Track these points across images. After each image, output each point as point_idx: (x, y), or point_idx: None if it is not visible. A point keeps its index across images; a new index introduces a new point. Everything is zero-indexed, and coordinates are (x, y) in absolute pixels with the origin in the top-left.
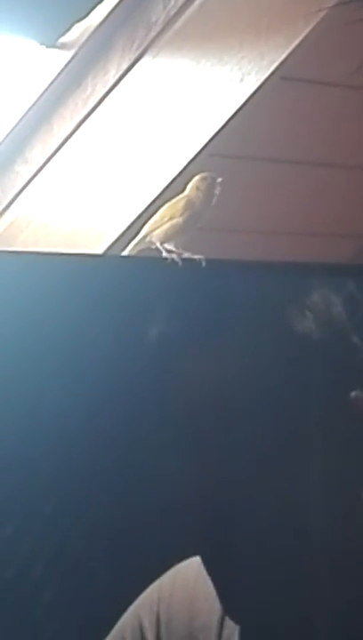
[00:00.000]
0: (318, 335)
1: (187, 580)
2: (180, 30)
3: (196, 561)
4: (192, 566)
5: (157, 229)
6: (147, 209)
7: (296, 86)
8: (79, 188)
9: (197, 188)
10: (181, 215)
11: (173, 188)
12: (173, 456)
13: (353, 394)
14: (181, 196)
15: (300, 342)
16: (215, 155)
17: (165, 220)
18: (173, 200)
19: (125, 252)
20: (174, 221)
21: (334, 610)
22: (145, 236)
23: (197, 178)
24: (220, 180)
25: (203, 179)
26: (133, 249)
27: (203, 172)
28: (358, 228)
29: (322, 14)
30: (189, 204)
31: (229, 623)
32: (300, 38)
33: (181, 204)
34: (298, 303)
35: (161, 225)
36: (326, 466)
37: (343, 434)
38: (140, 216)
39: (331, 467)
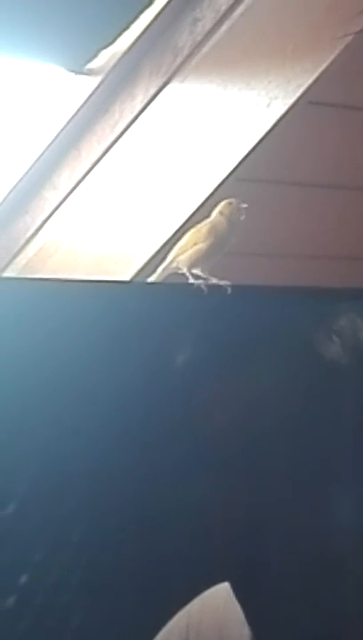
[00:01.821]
0: (345, 360)
1: (216, 606)
2: (206, 56)
3: (224, 587)
4: (221, 592)
5: (182, 255)
6: (175, 234)
7: (323, 110)
8: (107, 213)
9: (222, 214)
10: (204, 241)
11: (202, 212)
12: (200, 482)
13: None
14: (206, 221)
15: (327, 367)
16: (243, 179)
17: (190, 245)
18: (199, 225)
19: (152, 278)
20: (198, 247)
21: None
22: (171, 262)
23: (222, 203)
24: (245, 205)
25: (228, 204)
26: (160, 274)
27: (230, 197)
28: None
29: (348, 39)
30: (213, 229)
31: None
32: (326, 63)
33: (206, 229)
34: (325, 328)
35: (186, 250)
36: (355, 489)
37: None
38: (168, 241)
39: (360, 492)
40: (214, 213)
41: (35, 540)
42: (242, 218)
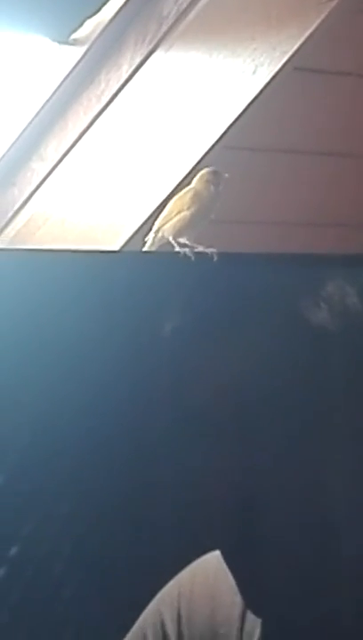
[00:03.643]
0: (333, 326)
1: (207, 575)
2: (191, 24)
3: (215, 555)
4: (212, 560)
5: (166, 224)
6: (163, 203)
7: (309, 76)
8: (95, 183)
9: (207, 181)
10: (189, 208)
11: (189, 181)
12: (189, 450)
13: None
14: (187, 188)
15: (315, 334)
16: (230, 147)
17: (174, 213)
18: (181, 193)
19: (142, 248)
20: (183, 214)
21: (358, 602)
22: (157, 231)
23: (204, 171)
24: (226, 175)
25: (210, 172)
26: (148, 245)
27: (217, 165)
28: None
29: (333, 4)
30: (197, 196)
31: (250, 617)
32: (311, 29)
33: (189, 196)
34: (312, 294)
35: (171, 219)
36: (344, 456)
37: (361, 425)
38: (156, 210)
39: (350, 457)
40: (196, 180)
41: (24, 511)
42: (221, 186)
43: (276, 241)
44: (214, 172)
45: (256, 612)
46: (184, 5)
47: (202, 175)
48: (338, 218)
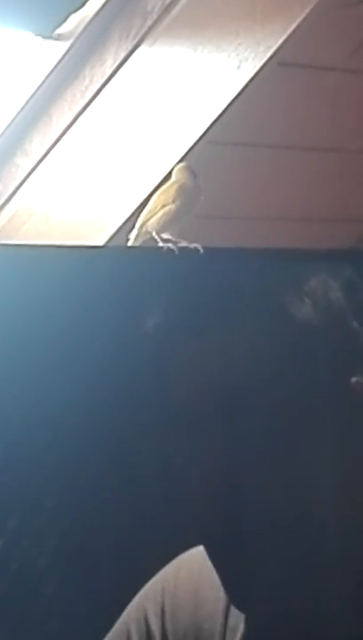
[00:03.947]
0: (317, 321)
1: (191, 570)
2: (176, 18)
3: (199, 550)
4: (196, 556)
5: (151, 218)
6: (147, 198)
7: (293, 71)
8: (80, 179)
9: (189, 173)
10: (174, 201)
11: None
12: (174, 446)
13: (354, 379)
14: (170, 182)
15: (299, 329)
16: (214, 142)
17: (158, 207)
18: (164, 187)
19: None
20: (168, 208)
21: (340, 598)
22: (141, 227)
23: (182, 164)
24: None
25: (189, 166)
26: (132, 240)
27: (201, 159)
28: (358, 212)
29: None
30: (182, 189)
31: (234, 612)
32: (296, 23)
33: (174, 189)
34: (297, 289)
35: (155, 213)
36: (328, 452)
37: (345, 420)
38: (140, 205)
39: (333, 453)
40: (177, 173)
41: (9, 505)
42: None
43: (260, 236)
44: (190, 167)
45: (240, 607)
46: (168, 0)
47: (182, 168)
48: (322, 213)
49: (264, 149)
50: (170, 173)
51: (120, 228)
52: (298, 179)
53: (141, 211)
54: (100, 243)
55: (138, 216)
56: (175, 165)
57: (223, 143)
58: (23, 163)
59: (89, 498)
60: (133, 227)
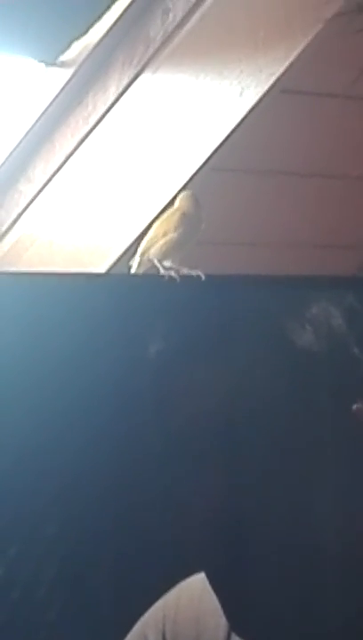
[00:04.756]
0: (318, 348)
1: (192, 597)
2: (178, 46)
3: (200, 577)
4: (197, 583)
5: (153, 246)
6: (150, 225)
7: (296, 98)
8: (82, 205)
9: (193, 202)
10: (175, 230)
11: None
12: (175, 472)
13: (355, 406)
14: (172, 209)
15: (301, 356)
16: (217, 169)
17: (160, 236)
18: (165, 215)
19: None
20: (169, 237)
21: (343, 625)
22: (142, 254)
23: (187, 192)
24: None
25: (193, 194)
26: (134, 268)
27: (204, 187)
28: (360, 238)
29: (319, 27)
30: (184, 217)
31: (235, 639)
32: (298, 51)
33: (175, 218)
34: (298, 316)
35: (157, 241)
36: (329, 478)
37: (346, 447)
38: (143, 232)
39: (334, 479)
40: (181, 201)
41: (8, 534)
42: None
43: (263, 262)
44: (195, 195)
45: (241, 635)
46: (171, 27)
47: (186, 196)
48: (324, 239)
49: (267, 176)
50: (172, 200)
51: (123, 254)
52: (300, 205)
53: (144, 238)
54: (103, 269)
55: (140, 243)
56: (178, 192)
57: (226, 170)
58: (26, 189)
59: (89, 525)
60: (135, 254)
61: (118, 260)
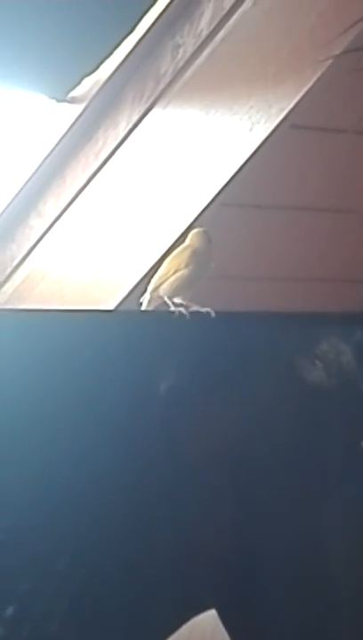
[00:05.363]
0: (328, 384)
1: (203, 634)
2: (188, 81)
3: (211, 614)
4: (208, 619)
5: (163, 283)
6: (160, 259)
7: (305, 134)
8: (93, 240)
9: (203, 239)
10: (186, 266)
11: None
12: (186, 509)
13: None
14: (183, 246)
15: (310, 392)
16: (227, 204)
17: (171, 272)
18: (176, 251)
19: (139, 308)
20: (180, 273)
21: None
22: (153, 291)
23: (198, 229)
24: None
25: (205, 231)
26: (145, 305)
27: (214, 222)
28: None
29: (328, 62)
30: (195, 254)
31: None
32: (307, 87)
33: (186, 254)
34: (308, 353)
35: (167, 278)
36: (339, 513)
37: (355, 483)
38: (153, 266)
39: (344, 514)
40: (191, 238)
41: (21, 570)
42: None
43: (273, 296)
44: (207, 232)
45: None
46: (181, 63)
47: (197, 233)
48: (335, 274)
49: (276, 211)
50: (182, 236)
51: (133, 289)
52: (310, 240)
53: (154, 272)
54: (114, 304)
55: (151, 278)
56: (189, 228)
57: (236, 205)
58: (37, 224)
59: (100, 561)
60: (145, 290)
61: (129, 294)
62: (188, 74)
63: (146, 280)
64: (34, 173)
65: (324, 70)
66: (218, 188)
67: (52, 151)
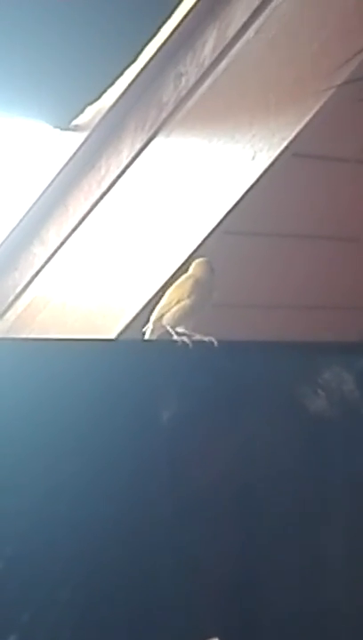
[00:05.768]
0: (330, 413)
1: None
2: (191, 110)
3: None
4: None
5: (166, 313)
6: (163, 287)
7: (307, 162)
8: (95, 268)
9: (206, 269)
10: (189, 296)
11: (188, 266)
12: (188, 537)
13: None
14: (186, 276)
15: (313, 420)
16: (229, 232)
17: (174, 302)
18: (179, 281)
19: (141, 336)
20: (183, 303)
21: None
22: (156, 321)
23: (201, 259)
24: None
25: (208, 261)
26: (148, 334)
27: (216, 250)
28: None
29: (331, 92)
30: (197, 284)
31: None
32: (310, 115)
33: (189, 284)
34: (310, 382)
35: (170, 308)
36: (341, 542)
37: (359, 511)
38: (156, 294)
39: (347, 544)
40: (194, 268)
41: (22, 599)
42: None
43: (276, 324)
44: (209, 262)
45: None
46: (184, 92)
47: (200, 263)
48: (337, 301)
49: (278, 239)
50: (185, 264)
51: (136, 316)
52: (312, 268)
53: (157, 300)
54: (116, 331)
55: (153, 306)
56: (191, 256)
57: (238, 233)
58: (40, 251)
59: (102, 591)
60: (148, 320)
61: (131, 322)
62: (190, 102)
63: (148, 308)
64: (37, 201)
65: (326, 100)
66: (220, 216)
67: (54, 179)
